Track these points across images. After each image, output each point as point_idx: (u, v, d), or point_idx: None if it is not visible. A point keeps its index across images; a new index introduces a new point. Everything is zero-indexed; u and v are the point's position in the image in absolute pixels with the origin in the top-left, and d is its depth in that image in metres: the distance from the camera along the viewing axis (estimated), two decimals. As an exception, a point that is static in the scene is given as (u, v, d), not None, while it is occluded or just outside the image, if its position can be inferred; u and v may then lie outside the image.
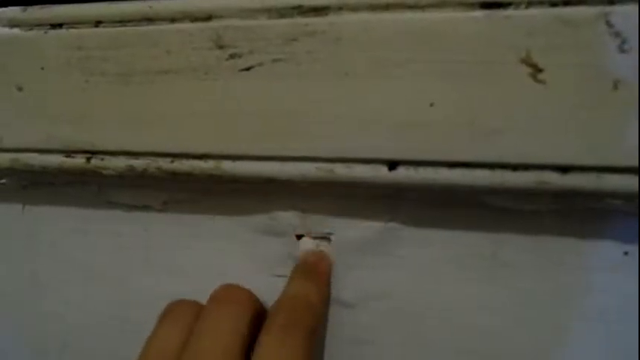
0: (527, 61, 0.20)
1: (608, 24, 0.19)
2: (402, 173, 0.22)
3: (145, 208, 0.28)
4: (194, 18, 0.24)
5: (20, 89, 0.26)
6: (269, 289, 0.28)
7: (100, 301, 0.31)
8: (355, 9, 0.22)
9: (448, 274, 0.25)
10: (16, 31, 0.26)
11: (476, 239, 0.24)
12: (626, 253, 0.23)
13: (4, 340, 0.33)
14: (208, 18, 0.23)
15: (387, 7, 0.21)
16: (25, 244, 0.31)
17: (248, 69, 0.23)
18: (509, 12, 0.20)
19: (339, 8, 0.22)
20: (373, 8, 0.21)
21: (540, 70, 0.20)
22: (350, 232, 0.25)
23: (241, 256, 0.28)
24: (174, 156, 0.25)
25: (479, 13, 0.20)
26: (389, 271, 0.26)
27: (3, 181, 0.29)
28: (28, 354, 0.33)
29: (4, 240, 0.32)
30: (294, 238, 0.27)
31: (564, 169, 0.20)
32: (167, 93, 0.24)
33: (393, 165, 0.22)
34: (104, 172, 0.26)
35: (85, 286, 0.31)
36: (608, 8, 0.19)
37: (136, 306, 0.30)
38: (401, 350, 0.26)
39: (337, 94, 0.22)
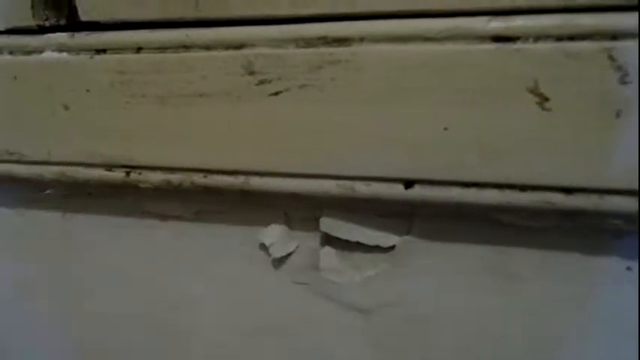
0: (535, 91, 0.22)
1: (611, 58, 0.21)
2: (418, 191, 0.24)
3: (178, 217, 0.31)
4: (227, 46, 0.26)
5: (67, 108, 0.29)
6: (289, 295, 0.30)
7: (132, 301, 0.33)
8: (376, 40, 0.24)
9: (459, 284, 0.27)
10: (64, 55, 0.29)
11: (486, 252, 0.26)
12: (628, 269, 0.24)
13: (42, 333, 0.36)
14: (240, 46, 0.26)
15: (405, 39, 0.23)
16: (64, 248, 0.34)
17: (276, 94, 0.25)
18: (519, 45, 0.22)
19: (361, 39, 0.24)
20: (392, 40, 0.23)
21: (547, 99, 0.22)
22: (368, 244, 0.27)
23: (264, 265, 0.30)
24: (207, 172, 0.27)
25: (490, 46, 0.22)
26: (404, 281, 0.27)
27: (48, 191, 0.32)
28: (65, 346, 0.35)
29: (45, 244, 0.34)
30: (314, 248, 0.29)
31: (568, 191, 0.22)
32: (201, 114, 0.27)
33: (409, 184, 0.24)
34: (142, 185, 0.28)
35: (119, 287, 0.33)
36: (610, 43, 0.21)
37: (164, 307, 0.32)
38: (413, 356, 0.28)
39: (358, 117, 0.24)
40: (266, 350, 0.31)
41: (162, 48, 0.27)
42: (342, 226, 0.27)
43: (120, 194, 0.31)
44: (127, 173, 0.28)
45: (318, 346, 0.30)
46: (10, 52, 0.30)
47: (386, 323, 0.28)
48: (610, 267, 0.24)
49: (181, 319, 0.32)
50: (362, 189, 0.25)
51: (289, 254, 0.29)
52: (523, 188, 0.23)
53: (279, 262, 0.29)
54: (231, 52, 0.26)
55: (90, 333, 0.35)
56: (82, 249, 0.33)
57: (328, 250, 0.28)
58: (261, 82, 0.25)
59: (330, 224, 0.28)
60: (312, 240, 0.28)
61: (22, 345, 0.36)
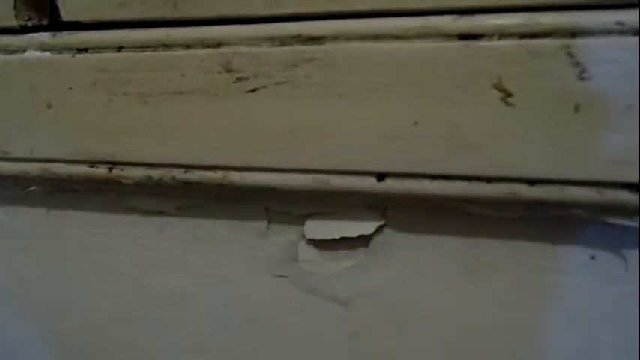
0: (499, 87, 0.23)
1: (570, 55, 0.22)
2: (389, 184, 0.25)
3: (160, 213, 0.31)
4: (205, 45, 0.27)
5: (50, 107, 0.29)
6: (268, 288, 0.30)
7: (117, 296, 0.34)
8: (348, 39, 0.24)
9: (433, 274, 0.28)
10: (46, 54, 0.29)
11: (457, 244, 0.27)
12: (592, 257, 0.25)
13: (28, 331, 0.36)
14: (218, 45, 0.26)
15: (376, 38, 0.24)
16: (49, 245, 0.34)
17: (253, 90, 0.26)
18: (483, 43, 0.23)
19: (335, 38, 0.25)
20: (364, 38, 0.24)
21: (510, 95, 0.23)
22: (344, 235, 0.28)
23: (245, 258, 0.31)
24: (187, 167, 0.28)
25: (457, 44, 0.23)
26: (380, 271, 0.28)
27: (32, 188, 0.32)
28: (51, 344, 0.36)
29: (31, 241, 0.35)
30: (293, 241, 0.29)
31: (531, 182, 0.23)
32: (181, 111, 0.27)
33: (381, 177, 0.25)
34: (124, 181, 0.29)
35: (104, 283, 0.34)
36: (569, 41, 0.22)
37: (149, 301, 0.33)
38: (391, 343, 0.29)
39: (332, 113, 0.25)
40: (248, 343, 0.31)
41: (143, 47, 0.28)
42: (319, 219, 0.28)
43: (103, 191, 0.32)
44: (110, 169, 0.29)
45: (298, 338, 0.30)
46: (-6, 52, 0.30)
47: (364, 313, 0.29)
48: (574, 256, 0.25)
49: (165, 314, 0.32)
50: (336, 182, 0.26)
51: (269, 248, 0.30)
52: (489, 180, 0.23)
53: (259, 255, 0.30)
54: (209, 51, 0.26)
55: (77, 330, 0.35)
56: (67, 246, 0.34)
57: (307, 243, 0.29)
58: (239, 80, 0.26)
59: (308, 217, 0.28)
60: (291, 233, 0.29)
61: (10, 344, 0.36)
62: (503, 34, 0.22)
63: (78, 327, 0.35)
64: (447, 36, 0.23)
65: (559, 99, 0.22)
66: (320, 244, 0.29)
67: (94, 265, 0.34)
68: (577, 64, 0.22)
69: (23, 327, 0.36)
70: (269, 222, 0.30)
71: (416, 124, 0.24)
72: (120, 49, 0.28)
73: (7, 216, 0.35)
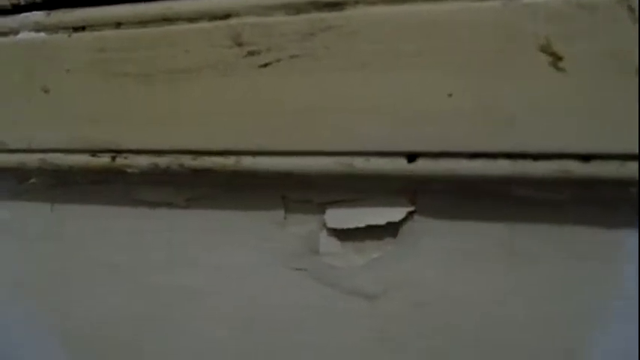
0: (547, 50, 0.20)
1: (630, 9, 0.19)
2: (422, 165, 0.22)
3: (169, 205, 0.29)
4: (212, 17, 0.24)
5: (46, 91, 0.27)
6: (286, 282, 0.28)
7: (122, 295, 0.32)
8: (371, 2, 0.22)
9: (467, 264, 0.25)
10: (41, 35, 0.27)
11: (495, 230, 0.24)
12: (652, 242, 0.22)
13: (32, 330, 0.35)
14: (226, 16, 0.24)
15: (402, 0, 0.21)
16: (53, 240, 0.32)
17: (266, 65, 0.23)
18: (527, 0, 0.20)
19: (355, 2, 0.22)
20: (389, 1, 0.21)
21: (560, 58, 0.20)
22: (370, 224, 0.25)
23: (260, 251, 0.28)
24: (196, 153, 0.25)
25: (496, 2, 0.20)
26: (409, 262, 0.26)
27: (32, 180, 0.30)
28: (55, 343, 0.34)
29: (35, 237, 0.33)
30: (313, 232, 0.27)
31: (586, 158, 0.20)
32: (187, 91, 0.25)
33: (412, 157, 0.22)
34: (128, 170, 0.27)
35: (110, 281, 0.32)
36: (629, -7, 0.19)
37: (158, 299, 0.31)
38: (421, 341, 0.26)
39: (355, 87, 0.22)
40: (264, 342, 0.29)
41: (143, 22, 0.25)
42: (341, 206, 0.26)
43: (108, 182, 0.30)
44: (113, 158, 0.27)
45: (319, 336, 0.28)
46: (-15, 35, 0.28)
47: (392, 308, 0.26)
48: (630, 242, 0.23)
49: (176, 312, 0.30)
50: (361, 165, 0.23)
51: (287, 239, 0.27)
52: (536, 157, 0.21)
53: (277, 248, 0.28)
54: (216, 23, 0.24)
55: (81, 328, 0.33)
56: (70, 241, 0.32)
57: (328, 233, 0.27)
58: (250, 54, 0.23)
59: (329, 205, 0.26)
60: (310, 222, 0.27)
61: (11, 342, 0.35)
62: (550, -11, 0.20)
63: (83, 327, 0.33)
64: (485, -6, 0.20)
65: (617, 61, 0.19)
66: (343, 234, 0.26)
67: (99, 263, 0.32)
68: (639, 19, 0.19)
69: (25, 327, 0.34)
70: (286, 211, 0.27)
71: (450, 95, 0.21)
72: (118, 25, 0.25)
73: (8, 212, 0.33)
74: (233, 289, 0.29)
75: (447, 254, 0.25)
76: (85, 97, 0.27)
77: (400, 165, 0.22)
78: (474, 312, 0.25)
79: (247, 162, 0.25)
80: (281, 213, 0.27)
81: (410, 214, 0.25)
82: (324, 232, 0.27)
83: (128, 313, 0.32)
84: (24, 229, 0.33)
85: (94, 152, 0.27)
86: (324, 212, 0.26)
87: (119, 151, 0.27)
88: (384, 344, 0.27)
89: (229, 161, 0.25)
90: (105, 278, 0.31)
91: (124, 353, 0.32)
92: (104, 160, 0.27)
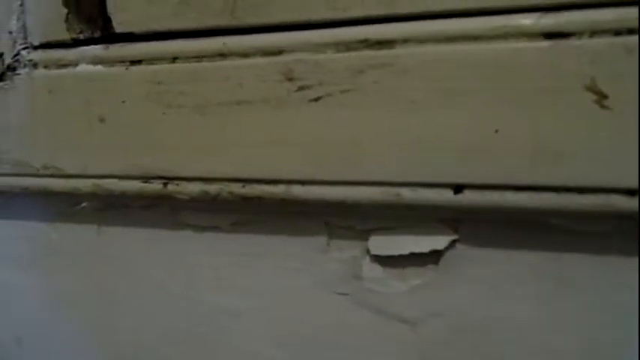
0: (593, 89, 0.21)
1: (674, 51, 0.20)
2: (468, 197, 0.23)
3: (214, 229, 0.30)
4: (265, 53, 0.25)
5: (102, 121, 0.29)
6: (328, 307, 0.29)
7: (167, 316, 0.33)
8: (420, 41, 0.23)
9: (511, 293, 0.25)
10: (99, 67, 0.28)
11: (538, 259, 0.25)
12: (695, 274, 0.23)
13: (78, 349, 0.35)
14: (279, 53, 0.25)
15: (451, 39, 0.22)
16: (99, 262, 0.34)
17: (317, 99, 0.25)
18: (574, 42, 0.21)
19: (405, 41, 0.23)
20: (438, 40, 0.23)
21: (606, 97, 0.21)
22: (413, 252, 0.26)
23: (303, 275, 0.29)
24: (246, 181, 0.26)
25: (543, 44, 0.21)
26: (452, 289, 0.26)
27: (84, 204, 0.31)
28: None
29: (80, 259, 0.34)
30: (356, 257, 0.28)
31: (631, 192, 0.21)
32: (239, 123, 0.26)
33: (458, 188, 0.23)
34: (179, 196, 0.28)
35: (155, 301, 0.33)
36: (673, 36, 0.20)
37: (201, 321, 0.32)
38: (465, 368, 0.27)
39: (403, 121, 0.23)
40: (307, 363, 0.30)
41: (199, 57, 0.27)
42: (385, 234, 0.27)
43: (155, 206, 0.31)
44: (165, 184, 0.28)
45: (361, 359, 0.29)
46: (45, 67, 0.30)
47: (433, 335, 0.27)
48: (674, 272, 0.23)
49: (219, 334, 0.31)
50: (408, 195, 0.24)
51: (331, 265, 0.28)
52: (581, 191, 0.21)
53: (320, 273, 0.29)
54: (269, 59, 0.25)
55: (125, 351, 0.34)
56: (117, 263, 0.33)
57: (371, 259, 0.27)
58: (301, 88, 0.25)
59: (373, 233, 0.27)
60: (353, 248, 0.28)
61: (61, 356, 0.36)
62: (595, 32, 0.21)
63: (126, 347, 0.34)
64: (532, 35, 0.21)
65: (662, 100, 0.20)
66: (385, 260, 0.27)
67: (144, 284, 0.33)
68: (682, 61, 0.20)
69: (69, 348, 0.35)
70: (329, 237, 0.28)
71: (497, 131, 0.22)
72: (174, 59, 0.27)
73: (56, 233, 0.34)
74: (276, 312, 0.30)
75: (489, 282, 0.25)
76: (139, 127, 0.28)
77: (446, 196, 0.23)
78: (515, 341, 0.26)
79: (297, 191, 0.26)
80: (324, 239, 0.28)
81: (453, 242, 0.26)
82: (367, 259, 0.27)
83: (172, 334, 0.32)
84: (71, 250, 0.34)
85: (146, 179, 0.28)
86: (367, 239, 0.27)
87: (171, 178, 0.28)
88: (424, 369, 0.28)
89: (278, 189, 0.26)
90: (150, 299, 0.32)
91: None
92: (156, 186, 0.28)
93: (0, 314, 0.38)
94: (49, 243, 0.34)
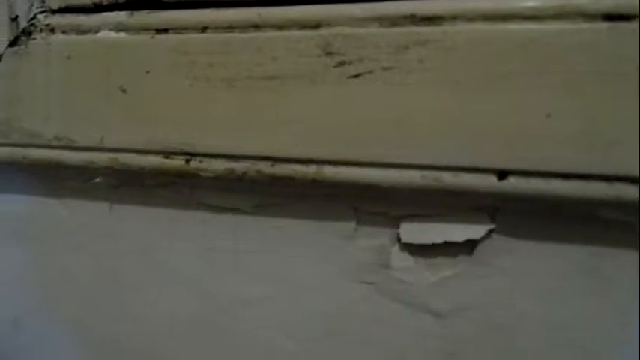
0: (653, 74, 0.20)
1: None
2: (512, 183, 0.22)
3: (234, 211, 0.29)
4: (302, 26, 0.24)
5: (124, 91, 0.27)
6: (353, 295, 0.28)
7: (180, 302, 0.31)
8: (470, 19, 0.22)
9: (545, 287, 0.25)
10: (122, 35, 0.27)
11: (578, 252, 0.24)
12: None
13: (81, 334, 0.34)
14: (317, 26, 0.24)
15: (503, 18, 0.21)
16: (109, 242, 0.32)
17: (357, 76, 0.23)
18: (634, 24, 0.20)
19: (454, 18, 0.22)
20: (489, 19, 0.22)
21: (666, 83, 0.20)
22: (448, 240, 0.25)
23: (327, 262, 0.28)
24: (275, 160, 0.25)
25: (602, 25, 0.20)
26: (484, 282, 0.25)
27: (97, 179, 0.30)
28: (112, 348, 0.33)
29: (90, 237, 0.32)
30: (384, 245, 0.27)
31: (688, 184, 0.20)
32: (271, 98, 0.25)
33: (502, 174, 0.22)
34: (202, 174, 0.26)
35: (166, 287, 0.31)
36: None
37: (218, 308, 0.30)
38: (494, 363, 0.26)
39: (448, 103, 0.22)
40: (328, 356, 0.28)
41: (230, 28, 0.25)
42: (417, 221, 0.26)
43: (174, 185, 0.29)
44: (187, 161, 0.27)
45: (385, 352, 0.27)
46: (64, 32, 0.28)
47: (462, 329, 0.26)
48: None
49: (237, 321, 0.30)
50: (449, 180, 0.23)
51: (358, 252, 0.27)
52: (634, 180, 0.21)
53: (343, 259, 0.27)
54: (306, 32, 0.24)
55: (132, 339, 0.33)
56: (128, 243, 0.31)
57: (401, 248, 0.26)
58: (341, 64, 0.23)
59: (404, 219, 0.26)
60: (382, 236, 0.26)
61: (62, 341, 0.34)
62: (657, 15, 0.20)
63: (133, 335, 0.32)
64: (590, 16, 0.20)
65: None
66: (416, 249, 0.26)
67: (156, 267, 0.31)
68: None
69: (73, 328, 0.34)
70: (358, 223, 0.27)
71: (548, 116, 0.21)
72: (204, 29, 0.26)
73: (66, 210, 0.32)
74: (295, 300, 0.28)
75: (524, 275, 0.25)
76: (162, 99, 0.27)
77: (489, 182, 0.22)
78: (548, 338, 0.25)
79: (328, 172, 0.24)
80: (352, 225, 0.27)
81: (489, 232, 0.25)
82: (396, 247, 0.26)
83: (184, 324, 0.31)
84: (80, 229, 0.32)
85: (167, 154, 0.27)
86: (398, 226, 0.26)
87: (194, 154, 0.26)
88: (451, 364, 0.26)
89: (310, 170, 0.25)
90: (161, 282, 0.31)
91: (176, 357, 0.32)
92: (177, 162, 0.27)
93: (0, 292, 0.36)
94: (57, 220, 0.32)
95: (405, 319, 0.27)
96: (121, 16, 0.27)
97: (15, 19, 0.29)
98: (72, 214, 0.32)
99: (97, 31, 0.27)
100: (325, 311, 0.28)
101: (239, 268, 0.29)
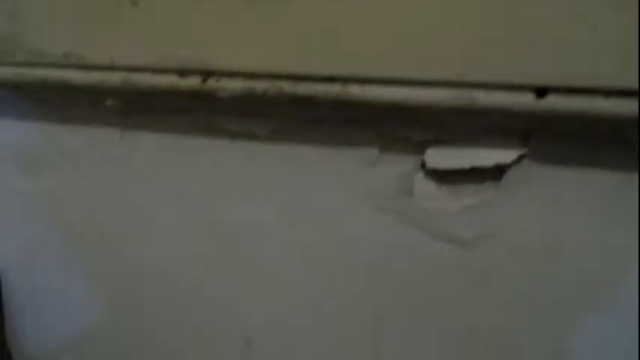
0: None
1: None
2: (551, 101, 0.21)
3: (250, 136, 0.28)
4: None
5: (135, 5, 0.25)
6: (373, 223, 0.27)
7: (191, 231, 0.31)
8: None
9: (569, 214, 0.24)
10: (132, -59, 0.25)
11: (613, 179, 0.23)
12: None
13: (95, 262, 0.33)
14: None
15: None
16: (120, 169, 0.31)
17: (388, -15, 0.22)
18: None
19: None
20: None
21: None
22: (476, 165, 0.24)
23: (347, 189, 0.27)
24: (298, 78, 0.24)
25: None
26: (510, 209, 0.25)
27: (108, 102, 0.28)
28: (125, 272, 0.33)
29: (101, 164, 0.31)
30: (408, 172, 0.26)
31: None
32: (292, 10, 0.23)
33: (541, 92, 0.21)
34: (219, 94, 0.25)
35: (178, 215, 0.31)
36: None
37: (231, 235, 0.30)
38: (519, 292, 0.25)
39: (482, 15, 0.21)
40: (347, 284, 0.28)
41: None
42: (442, 146, 0.25)
43: (187, 108, 0.28)
44: (204, 80, 0.25)
45: (406, 281, 0.27)
46: (69, -61, 0.26)
47: (487, 256, 0.25)
48: None
49: (250, 247, 0.29)
50: (482, 99, 0.22)
51: (379, 178, 0.26)
52: (681, 97, 0.20)
53: (364, 187, 0.27)
54: (334, -63, 0.22)
55: (150, 259, 0.32)
56: (140, 171, 0.30)
57: (425, 175, 0.25)
58: (371, -29, 0.22)
59: (429, 144, 0.25)
60: (405, 162, 0.26)
61: (73, 271, 0.34)
62: None
63: (146, 262, 0.32)
64: None
65: None
66: (441, 176, 0.25)
67: (168, 194, 0.30)
68: None
69: (80, 260, 0.33)
70: (381, 149, 0.26)
71: (594, 27, 0.20)
72: None
73: (73, 137, 0.31)
74: (314, 228, 0.28)
75: (554, 203, 0.24)
76: (177, 13, 0.25)
77: (527, 100, 0.21)
78: (579, 264, 0.24)
79: (355, 90, 0.23)
80: (374, 151, 0.26)
81: (520, 157, 0.24)
82: (420, 174, 0.25)
83: (196, 251, 0.30)
84: (90, 156, 0.31)
85: (182, 72, 0.26)
86: (422, 152, 0.25)
87: (211, 72, 0.25)
88: (476, 294, 0.26)
89: (334, 89, 0.23)
90: (174, 209, 0.30)
91: (189, 295, 0.31)
92: (193, 81, 0.25)
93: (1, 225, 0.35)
94: (63, 148, 0.31)
95: (427, 247, 0.26)
96: None
97: None
98: (79, 142, 0.31)
99: (105, -62, 0.25)
100: (343, 240, 0.27)
101: (252, 193, 0.28)
